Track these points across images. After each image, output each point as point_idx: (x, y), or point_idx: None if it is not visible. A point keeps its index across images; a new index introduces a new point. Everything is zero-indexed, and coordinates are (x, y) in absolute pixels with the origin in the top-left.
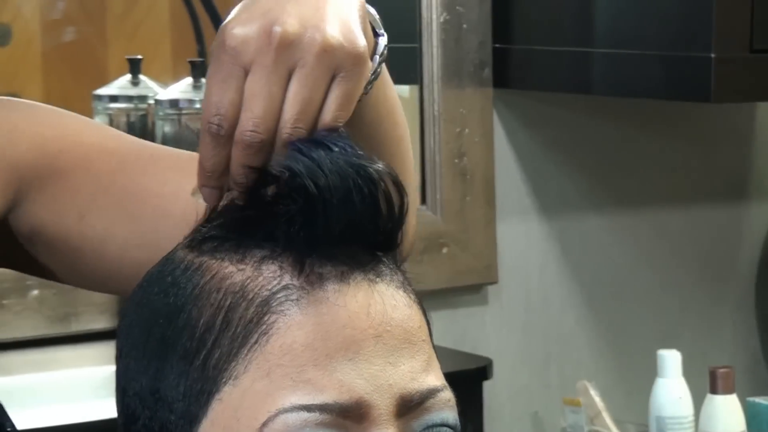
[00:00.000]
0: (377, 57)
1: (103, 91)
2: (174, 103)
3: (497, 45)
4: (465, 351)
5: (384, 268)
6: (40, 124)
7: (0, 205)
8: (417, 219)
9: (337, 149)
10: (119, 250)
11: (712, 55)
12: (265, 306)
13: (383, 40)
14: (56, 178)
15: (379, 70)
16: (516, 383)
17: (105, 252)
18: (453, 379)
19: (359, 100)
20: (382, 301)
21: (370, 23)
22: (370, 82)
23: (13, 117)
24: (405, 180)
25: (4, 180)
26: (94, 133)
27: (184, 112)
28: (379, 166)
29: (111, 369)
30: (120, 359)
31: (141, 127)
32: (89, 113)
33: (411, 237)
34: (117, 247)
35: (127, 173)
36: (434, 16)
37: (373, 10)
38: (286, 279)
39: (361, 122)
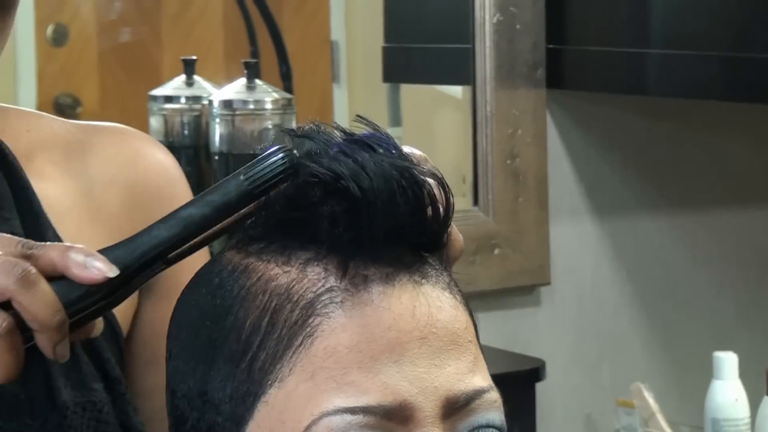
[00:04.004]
0: None
1: (158, 91)
2: (228, 104)
3: (551, 45)
4: (517, 352)
5: (429, 269)
6: None
7: None
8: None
9: (381, 151)
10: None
11: None
12: (310, 308)
13: None
14: (156, 299)
15: None
16: (569, 384)
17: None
18: (505, 380)
19: None
20: (427, 302)
21: None
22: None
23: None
24: None
25: None
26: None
27: (237, 112)
28: (424, 168)
29: None
30: (169, 361)
31: (195, 127)
32: (144, 113)
33: None
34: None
35: None
36: (487, 17)
37: None
38: (331, 281)
39: None
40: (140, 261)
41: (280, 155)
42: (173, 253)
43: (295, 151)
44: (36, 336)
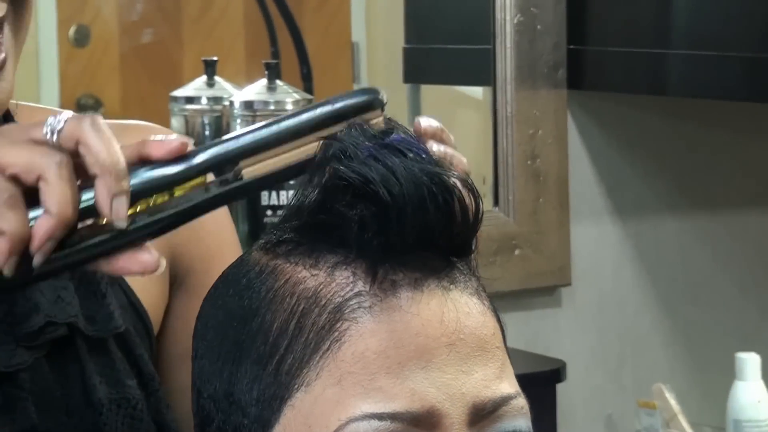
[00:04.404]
0: None
1: (179, 92)
2: (249, 105)
3: (572, 46)
4: (538, 353)
5: (458, 275)
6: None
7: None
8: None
9: (411, 155)
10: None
11: None
12: (338, 313)
13: None
14: (187, 294)
15: None
16: (590, 385)
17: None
18: (526, 381)
19: None
20: (455, 308)
21: None
22: None
23: None
24: None
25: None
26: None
27: (258, 113)
28: (454, 173)
29: None
30: (195, 360)
31: (216, 128)
32: (166, 114)
33: None
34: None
35: None
36: (508, 18)
37: None
38: (359, 286)
39: None
40: (214, 145)
41: (365, 92)
42: (248, 166)
43: (380, 92)
44: (96, 184)
